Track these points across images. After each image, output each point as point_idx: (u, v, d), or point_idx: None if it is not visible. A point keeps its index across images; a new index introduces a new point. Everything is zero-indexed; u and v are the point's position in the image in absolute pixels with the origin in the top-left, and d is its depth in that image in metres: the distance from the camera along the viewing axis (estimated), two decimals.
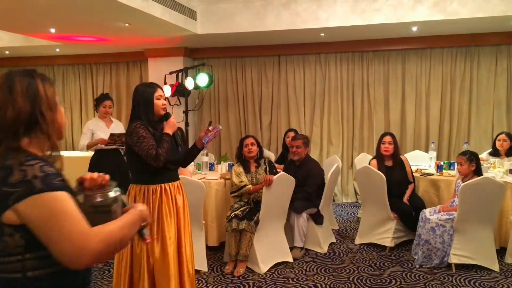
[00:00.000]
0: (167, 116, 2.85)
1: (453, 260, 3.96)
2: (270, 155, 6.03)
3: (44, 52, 7.75)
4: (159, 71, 6.98)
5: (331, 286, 3.77)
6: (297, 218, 4.43)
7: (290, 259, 4.28)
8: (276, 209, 4.18)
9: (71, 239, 1.18)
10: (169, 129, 2.81)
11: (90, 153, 4.99)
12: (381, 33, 6.30)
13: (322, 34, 6.30)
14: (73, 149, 8.12)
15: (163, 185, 2.82)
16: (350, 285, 3.77)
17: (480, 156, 4.35)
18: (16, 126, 1.28)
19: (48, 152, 1.40)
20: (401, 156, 4.90)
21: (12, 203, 1.19)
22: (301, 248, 4.47)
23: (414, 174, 4.92)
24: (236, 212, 4.13)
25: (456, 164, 4.54)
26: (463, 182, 4.00)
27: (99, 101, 4.92)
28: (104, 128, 4.84)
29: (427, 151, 5.95)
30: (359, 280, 3.87)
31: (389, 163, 4.78)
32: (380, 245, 4.65)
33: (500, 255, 4.20)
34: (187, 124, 6.65)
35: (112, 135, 4.67)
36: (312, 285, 3.78)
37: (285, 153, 5.61)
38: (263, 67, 7.41)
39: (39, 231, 1.19)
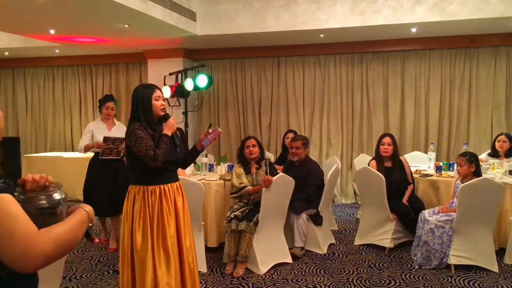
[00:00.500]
0: (166, 117, 2.85)
1: (452, 261, 3.96)
2: (270, 156, 6.03)
3: (43, 53, 7.76)
4: (158, 72, 6.99)
5: (331, 287, 3.77)
6: (296, 219, 4.43)
7: (290, 260, 4.29)
8: (275, 210, 4.18)
9: (18, 242, 1.13)
10: (167, 130, 2.81)
11: (90, 155, 4.89)
12: (381, 34, 6.31)
13: (322, 35, 6.30)
14: (73, 150, 8.12)
15: (162, 186, 2.82)
16: (349, 286, 3.77)
17: (479, 157, 4.36)
18: None
19: None
20: (401, 157, 4.90)
21: None
22: (302, 248, 4.47)
23: (414, 175, 4.92)
24: (236, 213, 4.14)
25: (455, 165, 4.55)
26: (462, 183, 4.00)
27: (102, 102, 4.83)
28: (105, 131, 4.73)
29: (426, 152, 5.96)
30: (358, 281, 3.87)
31: (388, 164, 4.79)
32: (379, 246, 4.66)
33: (499, 256, 4.20)
34: (186, 125, 6.66)
35: (106, 139, 4.54)
36: (311, 286, 3.78)
37: (285, 154, 5.61)
38: (263, 68, 7.42)
39: None
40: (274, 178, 4.03)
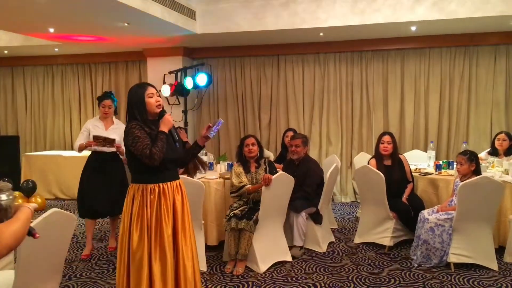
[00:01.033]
0: (162, 113, 2.85)
1: (452, 259, 3.97)
2: (269, 154, 6.03)
3: (43, 51, 7.75)
4: (158, 71, 6.99)
5: (330, 285, 3.77)
6: (296, 218, 4.43)
7: (289, 259, 4.29)
8: (275, 208, 4.18)
9: None
10: (164, 126, 2.81)
11: (88, 153, 4.72)
12: (380, 32, 6.31)
13: (321, 34, 6.30)
14: (72, 149, 8.12)
15: (161, 184, 2.82)
16: (349, 284, 3.78)
17: (478, 155, 4.36)
18: None
19: None
20: (400, 156, 4.90)
21: None
22: (301, 247, 4.48)
23: (413, 174, 4.92)
24: (235, 211, 4.14)
25: (455, 163, 4.56)
26: (462, 181, 4.01)
27: (99, 100, 4.66)
28: (102, 130, 4.52)
29: (426, 151, 5.96)
30: (358, 279, 3.88)
31: (388, 162, 4.79)
32: (379, 245, 4.66)
33: (499, 254, 4.21)
34: (186, 123, 6.66)
35: (96, 138, 4.34)
36: (311, 284, 3.78)
37: (284, 153, 5.61)
38: (262, 67, 7.42)
39: None
40: (273, 176, 4.03)
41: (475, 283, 3.74)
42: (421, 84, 6.84)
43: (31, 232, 1.58)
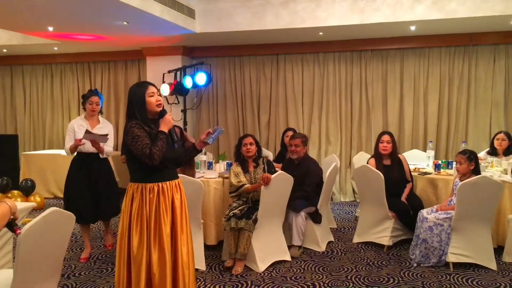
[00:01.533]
0: (162, 113, 2.85)
1: (451, 258, 3.97)
2: (269, 154, 6.03)
3: (42, 50, 7.74)
4: (157, 70, 6.98)
5: (329, 284, 3.77)
6: (295, 217, 4.43)
7: (288, 258, 4.29)
8: (274, 208, 4.18)
9: None
10: (164, 126, 2.81)
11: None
12: (380, 32, 6.31)
13: (321, 33, 6.30)
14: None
15: (160, 183, 2.82)
16: (348, 284, 3.78)
17: (478, 155, 4.36)
18: None
19: None
20: (399, 155, 4.91)
21: None
22: (299, 247, 4.48)
23: (412, 173, 4.92)
24: (235, 211, 4.13)
25: (454, 163, 4.56)
26: (461, 181, 4.01)
27: (86, 97, 4.43)
28: (88, 129, 4.29)
29: (425, 150, 5.96)
30: (357, 279, 3.88)
31: (387, 162, 4.79)
32: (378, 244, 4.66)
33: (498, 254, 4.22)
34: (185, 123, 6.65)
35: (88, 134, 4.11)
36: (310, 284, 3.78)
37: (283, 152, 5.61)
38: (262, 66, 7.41)
39: None
40: (272, 176, 4.03)
41: (474, 282, 3.75)
42: (421, 83, 6.84)
43: (12, 228, 1.58)
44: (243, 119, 7.55)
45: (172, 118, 2.91)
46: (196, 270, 3.81)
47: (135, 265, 2.76)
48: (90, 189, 4.32)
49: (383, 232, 4.60)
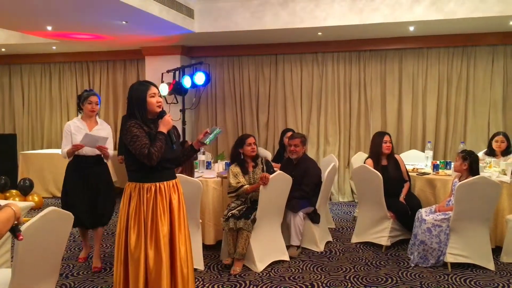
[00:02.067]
0: (162, 114, 2.84)
1: (449, 259, 3.98)
2: (267, 154, 6.03)
3: (40, 49, 7.73)
4: (156, 70, 6.98)
5: (328, 284, 3.78)
6: (293, 217, 4.43)
7: (287, 258, 4.29)
8: (273, 208, 4.18)
9: None
10: (163, 127, 2.80)
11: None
12: (379, 32, 6.31)
13: (320, 33, 6.30)
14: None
15: (157, 183, 2.81)
16: (346, 284, 3.78)
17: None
18: None
19: None
20: (395, 155, 4.92)
21: None
22: (298, 247, 4.48)
23: (411, 174, 4.93)
24: (233, 211, 4.13)
25: (452, 163, 4.58)
26: (460, 181, 4.01)
27: (84, 97, 4.09)
28: (85, 131, 4.04)
29: (423, 151, 5.97)
30: (355, 279, 3.88)
31: (384, 162, 4.80)
32: (376, 244, 4.67)
33: (496, 254, 4.22)
34: (184, 122, 6.65)
35: (88, 136, 3.92)
36: (308, 284, 3.78)
37: (282, 152, 5.61)
38: (260, 66, 7.42)
39: None
40: (271, 176, 4.03)
41: (472, 283, 3.75)
42: (419, 84, 6.85)
43: (15, 233, 1.56)
44: (241, 119, 7.55)
45: (172, 118, 2.90)
46: (195, 270, 3.82)
47: (132, 263, 2.76)
48: (89, 194, 4.07)
49: (382, 232, 4.61)
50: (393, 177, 4.70)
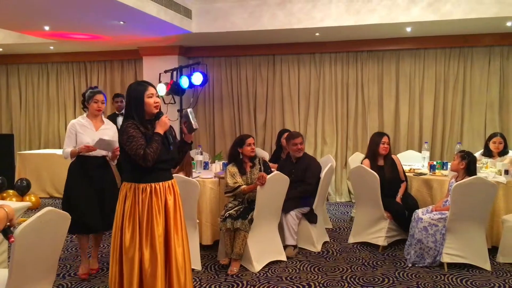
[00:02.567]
0: (159, 115, 2.84)
1: (446, 259, 3.99)
2: (265, 154, 6.04)
3: (38, 49, 7.72)
4: (153, 70, 6.98)
5: (325, 284, 3.79)
6: (285, 216, 4.45)
7: (284, 258, 4.30)
8: (270, 208, 4.19)
9: None
10: (160, 128, 2.80)
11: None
12: (376, 33, 6.33)
13: (317, 34, 6.32)
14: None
15: (153, 184, 2.81)
16: (343, 284, 3.79)
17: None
18: None
19: None
20: (392, 156, 4.94)
21: None
22: (294, 247, 4.48)
23: (408, 174, 4.94)
24: (230, 211, 4.13)
25: (449, 164, 4.59)
26: (457, 181, 4.03)
27: (90, 95, 3.89)
28: (91, 131, 3.87)
29: (420, 151, 5.99)
30: (352, 279, 3.89)
31: (381, 162, 4.81)
32: (373, 244, 4.68)
33: (492, 255, 4.24)
34: (181, 122, 6.65)
35: (102, 141, 3.72)
36: (305, 284, 3.79)
37: (279, 152, 5.62)
38: (258, 67, 7.42)
39: None
40: (268, 176, 4.03)
41: (468, 283, 3.77)
42: (416, 84, 6.87)
43: (7, 235, 1.56)
44: (239, 119, 7.56)
45: (169, 119, 2.90)
46: (192, 270, 3.82)
47: (127, 262, 2.76)
48: (96, 197, 3.84)
49: (378, 233, 4.62)
50: (390, 177, 4.71)
